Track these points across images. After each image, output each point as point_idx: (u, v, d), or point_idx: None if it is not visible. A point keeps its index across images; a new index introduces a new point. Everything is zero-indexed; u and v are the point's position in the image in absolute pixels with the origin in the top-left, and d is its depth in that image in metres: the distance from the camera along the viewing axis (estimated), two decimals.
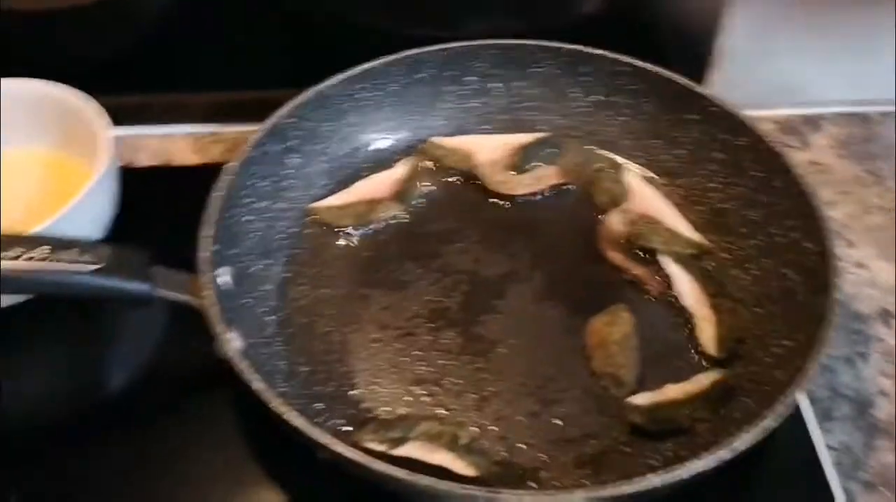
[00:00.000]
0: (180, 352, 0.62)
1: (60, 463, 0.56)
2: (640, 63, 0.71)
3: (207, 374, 0.57)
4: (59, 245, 0.50)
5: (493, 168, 0.71)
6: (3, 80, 0.69)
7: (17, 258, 0.48)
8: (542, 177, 0.71)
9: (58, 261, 0.49)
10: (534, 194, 0.71)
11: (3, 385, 0.60)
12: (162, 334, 0.64)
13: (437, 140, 0.73)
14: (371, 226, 0.68)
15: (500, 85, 0.75)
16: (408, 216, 0.70)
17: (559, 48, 0.73)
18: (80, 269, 0.50)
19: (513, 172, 0.72)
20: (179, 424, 0.58)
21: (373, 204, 0.69)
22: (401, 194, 0.70)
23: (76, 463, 0.56)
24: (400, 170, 0.72)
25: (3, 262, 0.47)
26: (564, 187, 0.71)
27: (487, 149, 0.73)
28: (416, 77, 0.74)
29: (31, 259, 0.48)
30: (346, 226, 0.68)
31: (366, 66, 0.71)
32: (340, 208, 0.69)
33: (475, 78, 0.75)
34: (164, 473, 0.56)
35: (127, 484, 0.55)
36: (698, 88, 0.69)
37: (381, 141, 0.74)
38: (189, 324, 0.55)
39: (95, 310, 0.64)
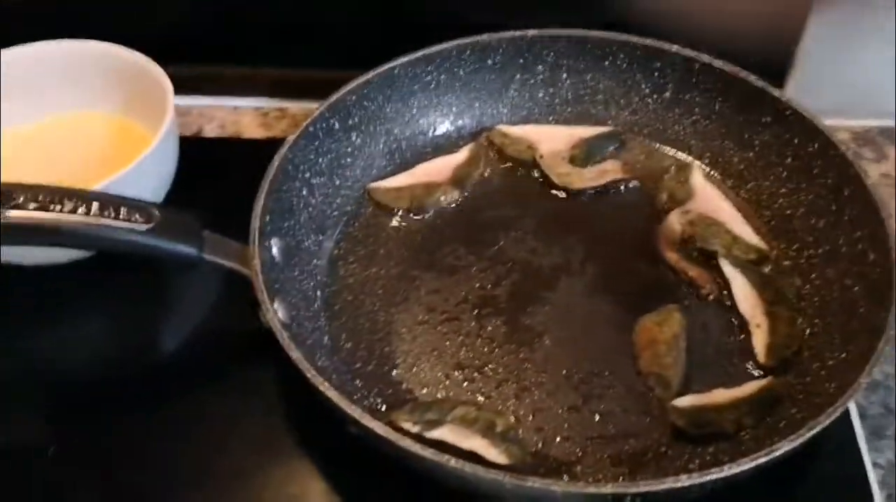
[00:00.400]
0: (231, 320, 0.63)
1: (103, 419, 0.58)
2: (715, 61, 0.69)
3: (254, 343, 0.58)
4: (112, 202, 0.51)
5: (555, 159, 0.70)
6: (77, 41, 0.71)
7: (70, 212, 0.49)
8: (604, 172, 0.70)
9: (109, 217, 0.50)
10: (594, 188, 0.69)
11: (57, 337, 0.62)
12: (215, 301, 0.65)
13: (502, 128, 0.72)
14: (427, 210, 0.68)
15: (570, 76, 0.74)
16: (465, 202, 0.69)
17: (633, 42, 0.72)
18: (129, 227, 0.51)
19: (575, 165, 0.70)
20: (223, 390, 0.59)
21: (430, 187, 0.69)
22: (459, 179, 0.70)
23: (118, 420, 0.57)
24: (461, 155, 0.71)
25: (56, 214, 0.49)
26: (626, 183, 0.70)
27: (551, 141, 0.72)
28: (486, 63, 0.73)
29: (84, 213, 0.50)
30: (402, 208, 0.68)
31: (436, 48, 0.71)
32: (398, 190, 0.69)
33: (545, 68, 0.74)
34: (202, 436, 0.57)
35: (164, 444, 0.56)
36: (774, 90, 0.67)
37: (445, 125, 0.74)
38: (241, 293, 0.55)
39: (153, 272, 0.65)
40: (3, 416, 0.59)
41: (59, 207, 0.49)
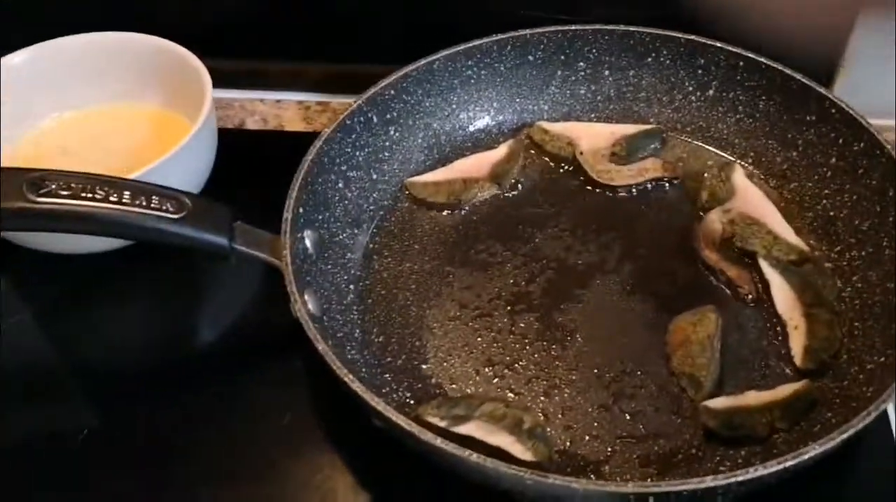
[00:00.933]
0: (265, 311, 0.64)
1: (136, 406, 0.59)
2: (761, 58, 0.68)
3: (288, 335, 0.58)
4: (144, 191, 0.52)
5: (595, 156, 0.70)
6: (124, 34, 0.72)
7: (102, 199, 0.50)
8: (644, 170, 0.69)
9: (140, 206, 0.51)
10: (634, 185, 0.68)
11: (96, 325, 0.64)
12: (252, 293, 0.66)
13: (542, 124, 0.72)
14: (464, 205, 0.68)
15: (612, 72, 0.73)
16: (501, 198, 0.69)
17: (676, 38, 0.71)
18: (160, 216, 0.52)
19: (615, 163, 0.70)
20: (255, 381, 0.60)
21: (468, 183, 0.69)
22: (498, 175, 0.69)
23: (151, 407, 0.58)
24: (500, 151, 0.71)
25: (87, 202, 0.50)
26: (667, 181, 0.69)
27: (592, 137, 0.71)
28: (527, 58, 0.73)
29: (115, 201, 0.51)
30: (439, 203, 0.68)
31: (476, 42, 0.71)
32: (435, 184, 0.69)
33: (586, 64, 0.73)
34: (233, 426, 0.57)
35: (195, 431, 0.57)
36: (820, 88, 0.65)
37: (484, 120, 0.73)
38: (277, 285, 0.55)
39: (191, 263, 0.66)
40: (40, 400, 0.60)
41: (90, 195, 0.50)
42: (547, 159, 0.71)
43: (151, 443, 0.56)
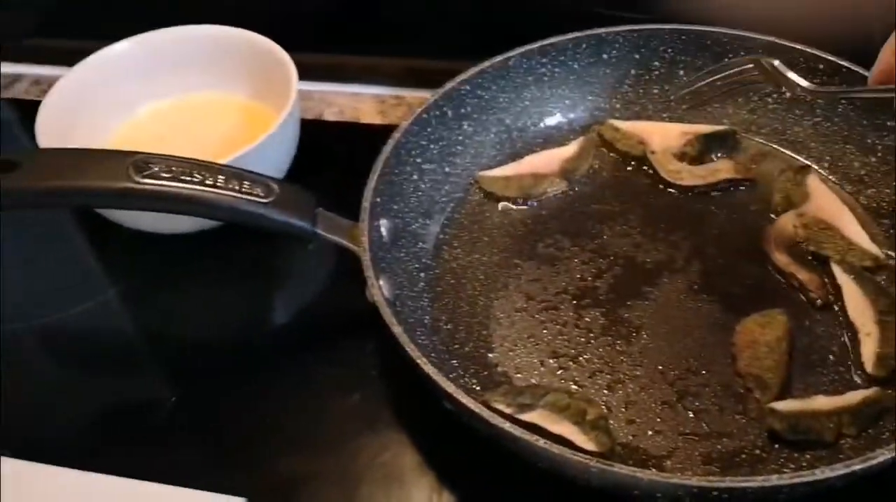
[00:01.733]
0: (339, 295, 0.66)
1: (217, 379, 0.61)
2: (842, 61, 0.67)
3: (359, 319, 0.60)
4: (236, 176, 0.55)
5: (666, 156, 0.70)
6: (214, 27, 0.75)
7: (199, 183, 0.53)
8: (716, 171, 0.69)
9: (232, 190, 0.54)
10: (705, 186, 0.68)
11: (182, 301, 0.67)
12: (326, 277, 0.69)
13: (613, 122, 0.72)
14: (533, 200, 0.69)
15: (687, 72, 0.73)
16: (571, 193, 0.70)
17: (753, 38, 0.70)
18: (250, 199, 0.54)
19: (686, 163, 0.70)
20: (327, 360, 0.62)
21: (538, 178, 0.70)
22: (568, 171, 0.70)
23: (230, 381, 0.61)
24: (571, 148, 0.72)
25: (186, 184, 0.52)
26: (739, 183, 0.68)
27: (663, 137, 0.71)
28: (601, 57, 0.73)
29: (211, 185, 0.53)
30: (510, 197, 0.69)
31: (551, 40, 0.72)
32: (506, 179, 0.70)
33: (661, 63, 0.74)
34: (306, 402, 0.59)
35: (270, 406, 0.59)
36: None
37: (556, 117, 0.74)
38: (350, 270, 0.58)
39: (270, 247, 0.69)
40: (131, 369, 0.63)
41: (188, 178, 0.53)
42: (618, 157, 0.71)
43: (230, 416, 0.59)
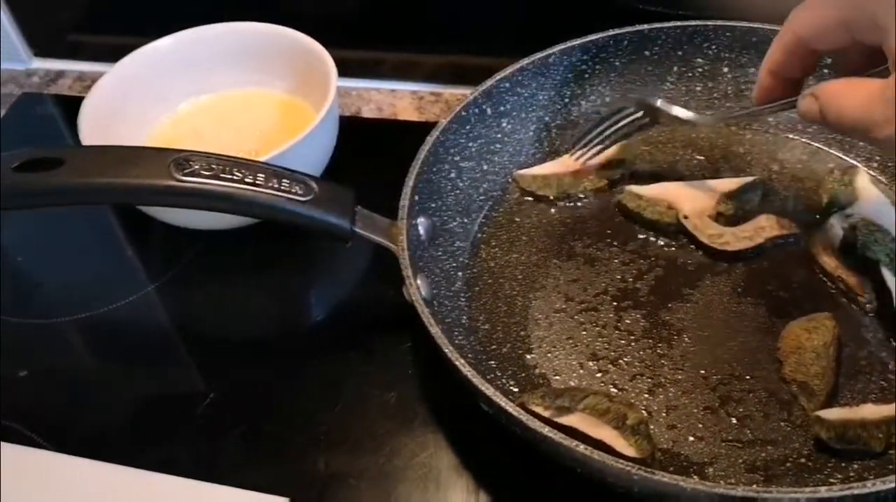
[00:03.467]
0: (376, 293, 0.66)
1: (255, 374, 0.62)
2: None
3: (396, 317, 0.60)
4: (276, 174, 0.55)
5: (701, 219, 0.64)
6: (255, 24, 0.75)
7: (239, 181, 0.53)
8: (760, 229, 0.62)
9: (272, 188, 0.54)
10: (753, 248, 0.62)
11: (220, 296, 0.68)
12: (364, 275, 0.68)
13: (632, 189, 0.66)
14: (573, 199, 0.68)
15: (732, 70, 0.72)
16: (611, 193, 0.68)
17: None
18: (290, 198, 0.54)
19: (723, 224, 0.64)
20: (364, 358, 0.62)
21: (578, 176, 0.69)
22: (609, 169, 0.69)
23: (268, 377, 0.61)
24: (611, 148, 0.69)
25: (226, 182, 0.52)
26: (785, 238, 0.63)
27: (691, 199, 0.65)
28: (643, 54, 0.72)
29: (251, 183, 0.53)
30: (548, 196, 0.68)
31: (593, 37, 0.71)
32: (544, 178, 0.69)
33: (705, 60, 0.72)
34: (342, 400, 0.59)
35: (307, 403, 0.59)
36: None
37: (597, 115, 0.73)
38: (388, 268, 0.57)
39: (308, 244, 0.69)
40: (169, 365, 0.64)
41: (229, 176, 0.53)
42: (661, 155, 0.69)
43: (267, 412, 0.59)
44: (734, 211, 0.65)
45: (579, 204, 0.68)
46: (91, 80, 0.73)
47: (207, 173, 0.52)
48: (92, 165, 0.53)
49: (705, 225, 0.64)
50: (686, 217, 0.64)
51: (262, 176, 0.53)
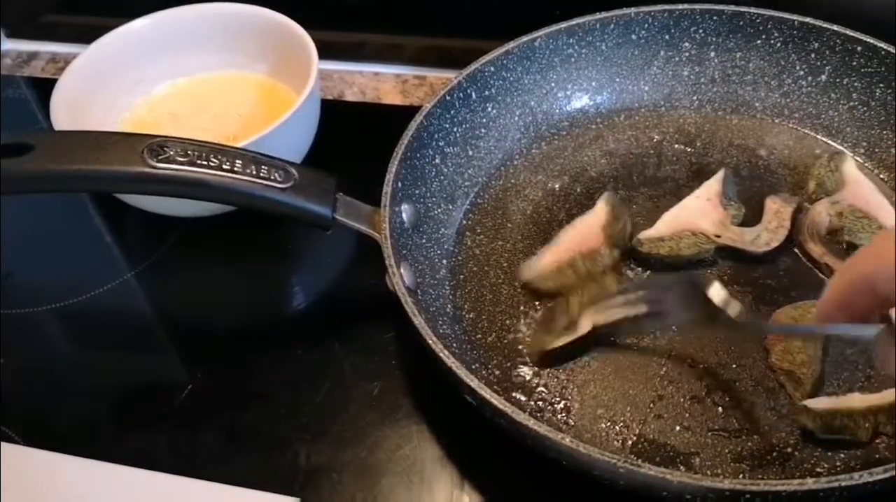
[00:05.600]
0: (360, 281, 0.65)
1: (235, 363, 0.60)
2: (880, 43, 0.65)
3: (381, 306, 0.59)
4: (254, 160, 0.53)
5: (730, 230, 0.61)
6: (232, 4, 0.74)
7: (216, 167, 0.51)
8: (778, 213, 0.61)
9: (250, 175, 0.52)
10: (788, 235, 0.60)
11: (201, 284, 0.66)
12: (347, 262, 0.67)
13: (641, 236, 0.61)
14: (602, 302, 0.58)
15: (718, 54, 0.71)
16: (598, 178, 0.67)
17: (790, 20, 0.68)
18: (268, 185, 0.53)
19: (736, 222, 0.62)
20: (347, 348, 0.61)
21: (588, 257, 0.60)
22: (616, 240, 0.61)
23: (248, 367, 0.60)
24: (600, 212, 0.63)
25: (202, 169, 0.51)
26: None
27: (701, 216, 0.62)
28: (630, 38, 0.71)
29: (228, 170, 0.52)
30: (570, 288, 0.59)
31: (579, 20, 0.70)
32: (557, 271, 0.60)
33: (692, 45, 0.72)
34: (324, 390, 0.58)
35: (289, 393, 0.58)
36: None
37: (583, 100, 0.72)
38: (372, 256, 0.56)
39: (290, 230, 0.68)
40: (147, 354, 0.63)
41: (205, 162, 0.51)
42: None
43: (247, 402, 0.58)
44: (741, 209, 0.62)
45: (567, 193, 0.67)
46: (65, 62, 0.71)
47: (182, 159, 0.51)
48: (62, 152, 0.51)
49: (737, 233, 0.61)
50: (717, 235, 0.60)
51: (240, 162, 0.52)
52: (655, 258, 0.61)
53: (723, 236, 0.61)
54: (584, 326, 0.55)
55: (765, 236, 0.61)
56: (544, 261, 0.61)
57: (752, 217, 0.63)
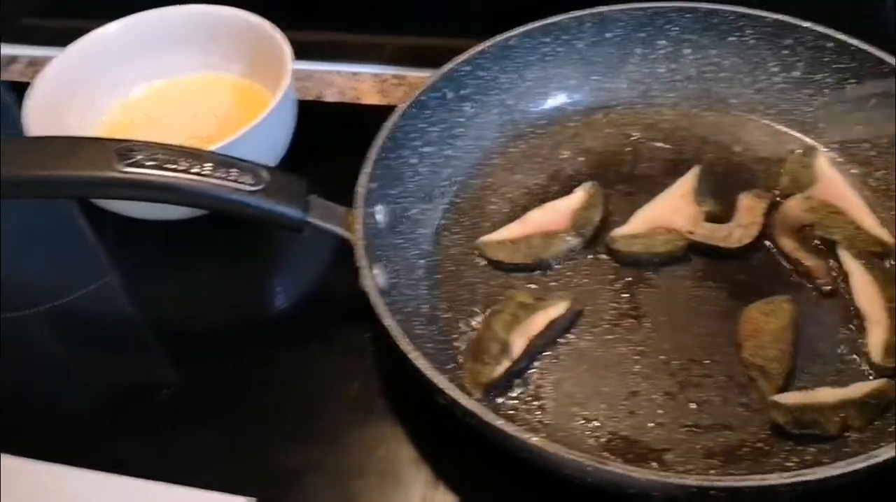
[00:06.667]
0: (338, 282, 0.65)
1: (212, 366, 0.61)
2: (851, 40, 0.65)
3: (357, 307, 0.59)
4: (224, 163, 0.53)
5: (696, 224, 0.61)
6: (206, 6, 0.74)
7: (185, 171, 0.52)
8: (751, 209, 0.62)
9: (220, 178, 0.53)
10: (763, 229, 0.61)
11: (178, 287, 0.66)
12: (326, 263, 0.67)
13: (616, 233, 0.62)
14: (548, 263, 0.61)
15: (693, 51, 0.72)
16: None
17: (762, 17, 0.68)
18: (238, 188, 0.53)
19: (711, 218, 0.62)
20: (326, 349, 0.61)
21: (549, 237, 0.62)
22: (579, 225, 0.62)
23: (225, 370, 0.60)
24: (576, 197, 0.64)
25: (171, 173, 0.51)
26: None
27: (675, 213, 0.62)
28: (605, 36, 0.71)
29: (197, 173, 0.52)
30: (520, 264, 0.61)
31: (554, 18, 0.70)
32: (513, 243, 0.62)
33: (667, 42, 0.72)
34: (302, 393, 0.59)
35: (266, 397, 0.59)
36: None
37: (559, 98, 0.73)
38: (350, 257, 0.56)
39: (268, 231, 0.68)
40: (123, 358, 0.63)
41: (174, 166, 0.51)
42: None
43: (225, 403, 0.58)
44: (711, 195, 0.63)
45: (545, 191, 0.67)
46: (44, 66, 0.71)
47: (151, 163, 0.51)
48: (30, 157, 0.51)
49: (710, 230, 0.61)
50: (691, 232, 0.61)
51: (210, 165, 0.52)
52: (629, 255, 0.61)
53: (696, 233, 0.61)
54: (518, 344, 0.54)
55: (737, 233, 0.61)
56: (505, 234, 0.62)
57: (725, 213, 0.63)
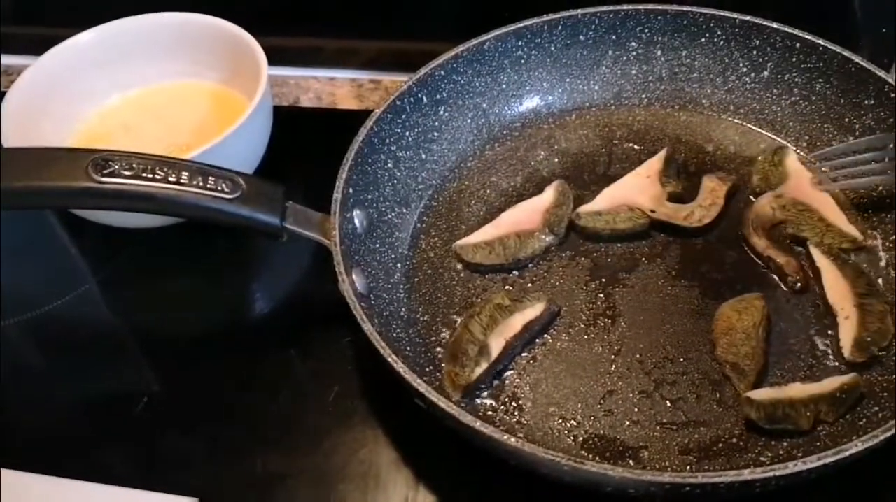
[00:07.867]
0: (317, 287, 0.65)
1: (191, 372, 0.61)
2: (818, 40, 0.67)
3: (336, 311, 0.59)
4: (201, 172, 0.54)
5: (659, 203, 0.63)
6: (181, 14, 0.74)
7: (162, 180, 0.52)
8: (713, 191, 0.64)
9: (197, 186, 0.53)
10: (722, 211, 0.63)
11: (157, 295, 0.66)
12: (305, 268, 0.68)
13: (582, 210, 0.64)
14: (523, 264, 0.62)
15: (665, 53, 0.73)
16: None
17: (731, 18, 0.70)
18: (215, 196, 0.53)
19: (676, 200, 0.65)
20: (305, 354, 0.61)
21: (524, 236, 0.63)
22: (552, 223, 0.63)
23: (206, 375, 0.61)
24: (547, 196, 0.65)
25: (147, 182, 0.51)
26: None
27: (639, 192, 0.64)
28: (578, 38, 0.72)
29: (174, 182, 0.52)
30: (497, 266, 0.62)
31: (526, 22, 0.71)
32: (488, 244, 0.63)
33: (639, 44, 0.73)
34: (282, 397, 0.59)
35: (246, 402, 0.59)
36: (879, 72, 0.64)
37: (534, 101, 0.73)
38: (327, 263, 0.57)
39: (248, 238, 0.68)
40: (102, 366, 0.63)
41: (150, 175, 0.51)
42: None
43: (206, 410, 0.59)
44: (680, 186, 0.65)
45: (521, 193, 0.68)
46: (19, 75, 0.71)
47: (128, 173, 0.51)
48: (4, 169, 0.51)
49: (672, 209, 0.63)
50: (653, 211, 0.63)
51: (186, 174, 0.52)
52: (593, 231, 0.63)
53: (658, 211, 0.63)
54: (496, 346, 0.55)
55: (698, 212, 0.63)
56: (480, 237, 0.63)
57: (689, 195, 0.65)
